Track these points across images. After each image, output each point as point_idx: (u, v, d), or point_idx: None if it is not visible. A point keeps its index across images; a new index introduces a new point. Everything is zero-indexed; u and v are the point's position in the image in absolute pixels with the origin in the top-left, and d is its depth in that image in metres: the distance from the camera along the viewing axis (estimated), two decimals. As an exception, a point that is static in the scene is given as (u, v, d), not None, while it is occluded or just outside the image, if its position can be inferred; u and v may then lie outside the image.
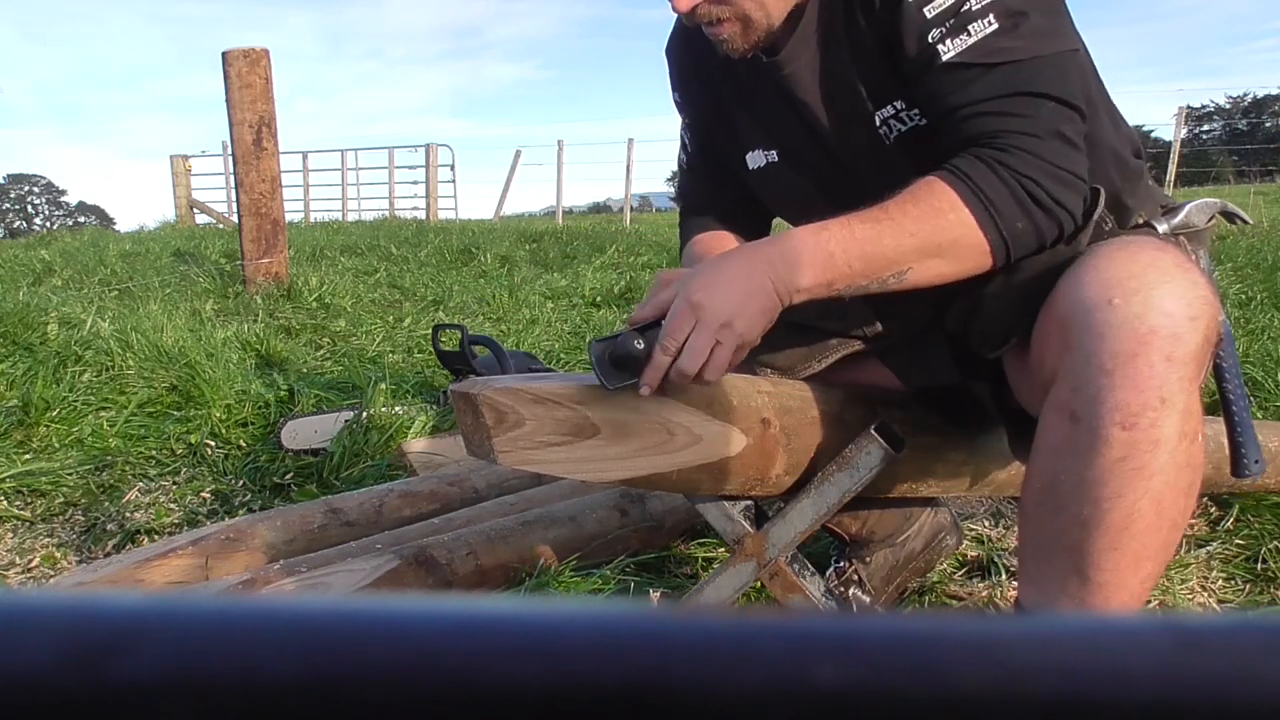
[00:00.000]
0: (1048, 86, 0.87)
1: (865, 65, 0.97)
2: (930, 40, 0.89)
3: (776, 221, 1.23)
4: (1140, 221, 0.98)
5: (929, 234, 0.87)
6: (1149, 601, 0.90)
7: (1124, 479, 0.79)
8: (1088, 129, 0.90)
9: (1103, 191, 0.94)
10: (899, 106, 0.96)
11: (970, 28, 0.87)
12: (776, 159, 1.09)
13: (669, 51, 1.17)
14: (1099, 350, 0.79)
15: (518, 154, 13.92)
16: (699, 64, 1.12)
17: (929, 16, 0.89)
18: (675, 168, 1.27)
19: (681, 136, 1.22)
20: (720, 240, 1.15)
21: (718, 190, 1.19)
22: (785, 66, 1.01)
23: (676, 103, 1.20)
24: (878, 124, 0.98)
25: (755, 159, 1.10)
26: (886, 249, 0.87)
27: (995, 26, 0.87)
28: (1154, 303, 0.77)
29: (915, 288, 0.91)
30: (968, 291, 0.97)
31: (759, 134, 1.09)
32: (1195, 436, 0.80)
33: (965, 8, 0.88)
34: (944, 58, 0.88)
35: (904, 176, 0.91)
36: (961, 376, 1.05)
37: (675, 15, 0.99)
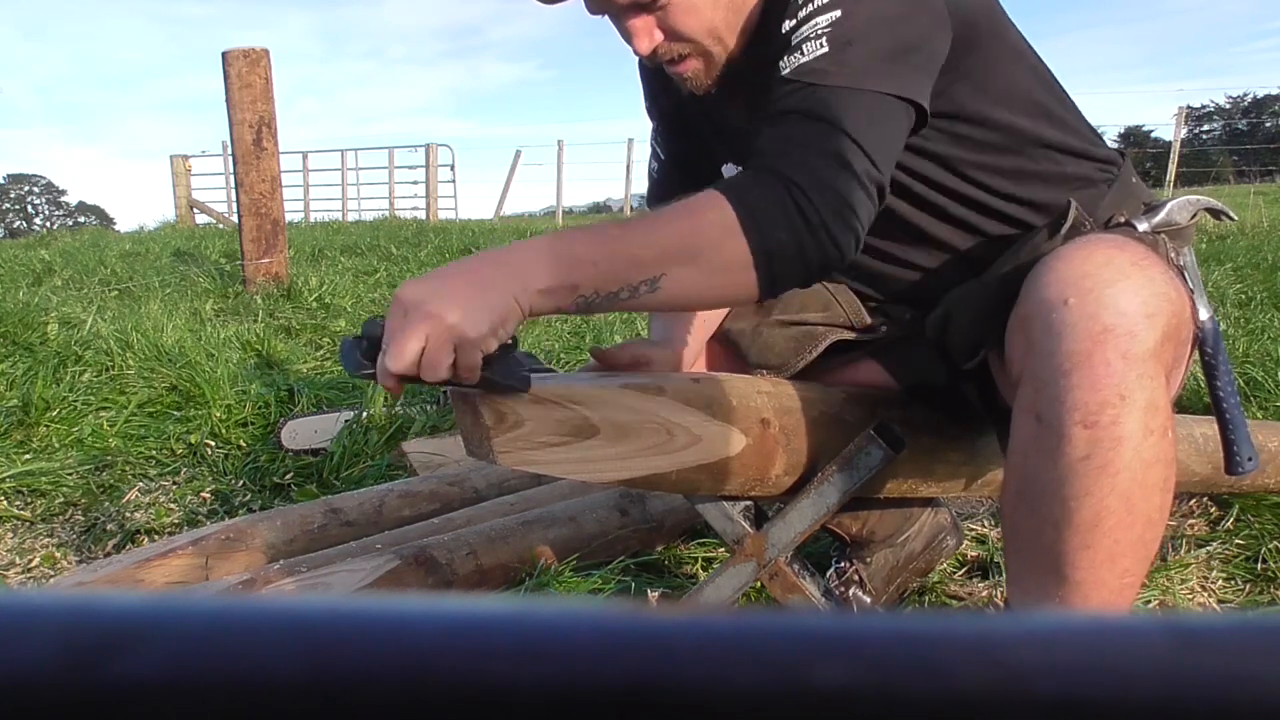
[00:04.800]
0: (847, 120, 0.82)
1: None
2: (781, 57, 0.89)
3: None
4: (1121, 220, 0.99)
5: (683, 235, 0.81)
6: (1137, 599, 0.90)
7: (1089, 477, 0.79)
8: (883, 178, 0.84)
9: (1074, 204, 0.95)
10: None
11: (805, 47, 0.86)
12: None
13: (640, 66, 1.18)
14: (1057, 350, 0.79)
15: (518, 154, 13.93)
16: (665, 81, 1.13)
17: (790, 42, 0.88)
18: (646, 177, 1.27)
19: (653, 145, 1.23)
20: None
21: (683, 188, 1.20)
22: (732, 97, 1.02)
23: (648, 110, 1.21)
24: None
25: (729, 171, 1.12)
26: (635, 248, 0.80)
27: (824, 50, 0.85)
28: (1108, 301, 0.78)
29: (678, 305, 0.85)
30: (941, 299, 0.98)
31: (729, 152, 1.10)
32: (1164, 432, 0.80)
33: (806, 32, 0.87)
34: (781, 72, 0.87)
35: None
36: (950, 377, 1.06)
37: None
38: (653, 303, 0.82)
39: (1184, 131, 12.73)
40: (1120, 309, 0.78)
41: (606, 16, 0.97)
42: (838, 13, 0.86)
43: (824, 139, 0.82)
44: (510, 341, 0.81)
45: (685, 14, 0.93)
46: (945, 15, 0.90)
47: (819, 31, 0.86)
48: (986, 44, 0.95)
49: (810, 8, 0.87)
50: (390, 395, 2.21)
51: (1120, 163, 1.06)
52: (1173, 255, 0.96)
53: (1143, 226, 0.98)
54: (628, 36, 0.96)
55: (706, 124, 1.11)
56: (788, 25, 0.89)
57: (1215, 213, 1.08)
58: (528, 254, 0.79)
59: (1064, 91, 1.05)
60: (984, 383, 1.02)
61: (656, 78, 1.15)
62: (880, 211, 0.97)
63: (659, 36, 0.94)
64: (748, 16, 0.97)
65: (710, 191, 0.83)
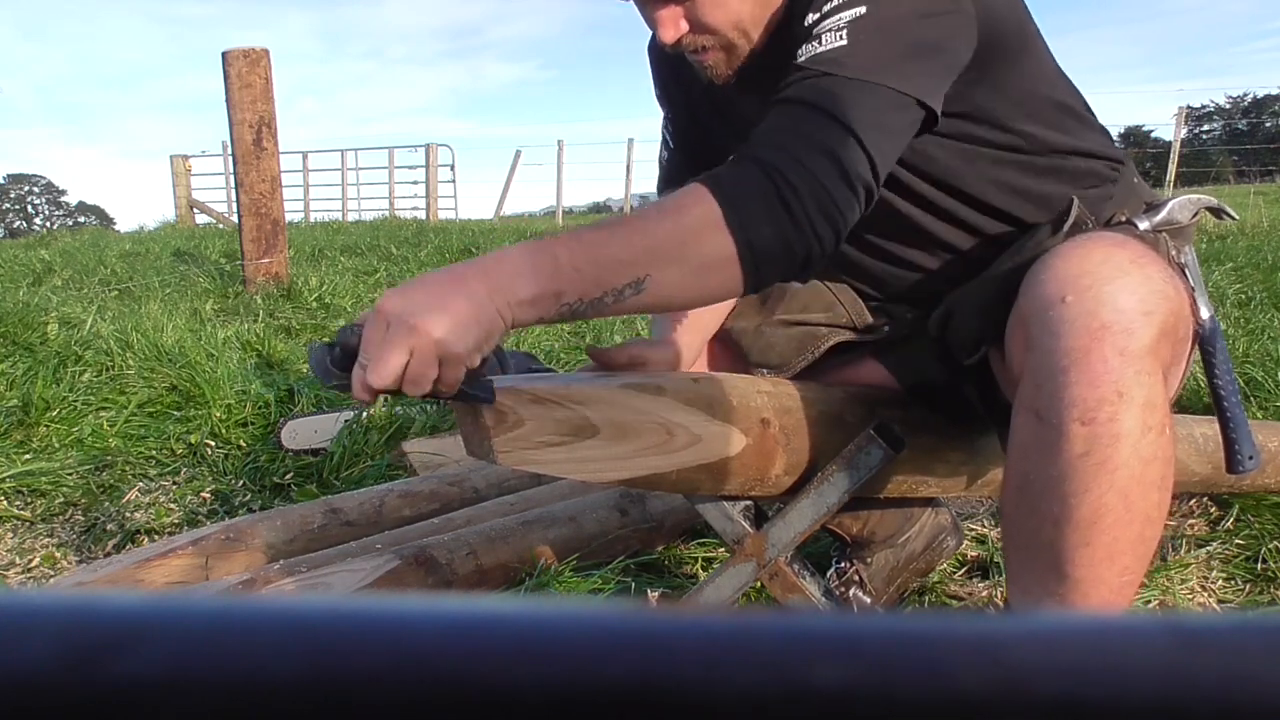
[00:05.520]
0: (851, 114, 0.81)
1: None
2: (800, 46, 0.88)
3: None
4: (1122, 219, 0.99)
5: (666, 233, 0.79)
6: (1136, 597, 0.91)
7: (1088, 474, 0.80)
8: (876, 177, 0.83)
9: (1076, 201, 0.95)
10: None
11: (824, 37, 0.86)
12: None
13: (650, 49, 1.18)
14: (1055, 348, 0.80)
15: (518, 154, 13.93)
16: (677, 71, 1.13)
17: (810, 32, 0.88)
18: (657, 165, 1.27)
19: (664, 133, 1.23)
20: None
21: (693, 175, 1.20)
22: (750, 90, 1.02)
23: (658, 97, 1.21)
24: None
25: None
26: (617, 250, 0.77)
27: (842, 42, 0.85)
28: (1105, 298, 0.78)
29: (662, 306, 0.83)
30: (943, 296, 0.99)
31: (737, 144, 1.10)
32: (1162, 429, 0.81)
33: (827, 25, 0.86)
34: (797, 60, 0.87)
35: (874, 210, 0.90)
36: (950, 377, 1.06)
37: None
38: (639, 305, 0.79)
39: (1184, 131, 12.73)
40: (1118, 306, 0.78)
41: (632, 3, 0.97)
42: (862, 9, 0.86)
43: (821, 130, 0.81)
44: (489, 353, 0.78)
45: (714, 7, 0.93)
46: (973, 18, 0.89)
47: (840, 25, 0.86)
48: (1012, 50, 0.95)
49: (835, 2, 0.87)
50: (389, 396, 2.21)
51: (1125, 161, 1.07)
52: (1173, 254, 0.97)
53: (1144, 225, 0.98)
54: (653, 25, 0.96)
55: (716, 115, 1.11)
56: (810, 18, 0.88)
57: (1216, 212, 1.08)
58: (509, 264, 0.76)
59: (1077, 91, 1.04)
60: (984, 382, 1.02)
61: (668, 65, 1.15)
62: (884, 211, 0.97)
63: (684, 27, 0.94)
64: (773, 10, 0.97)
65: (694, 185, 0.81)
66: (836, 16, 0.86)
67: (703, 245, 0.79)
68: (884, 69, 0.84)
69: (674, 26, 0.94)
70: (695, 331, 1.17)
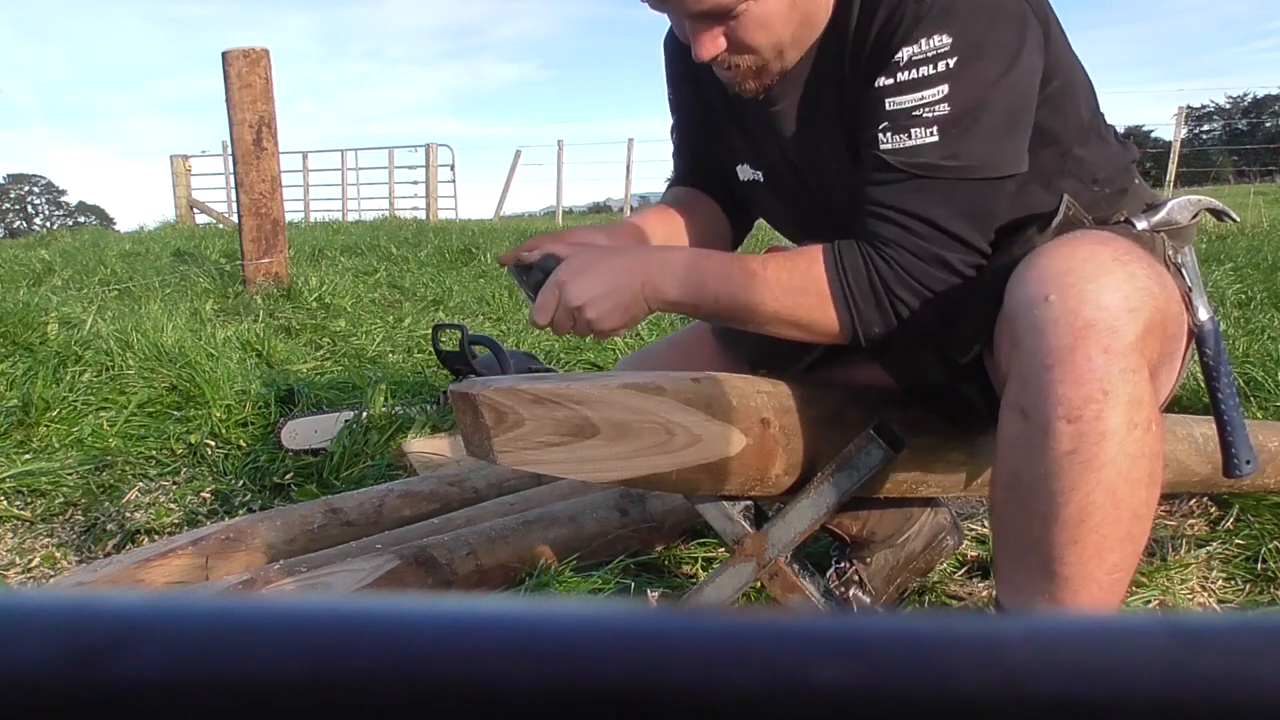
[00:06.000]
0: (952, 220, 0.89)
1: (849, 122, 0.97)
2: (879, 127, 0.90)
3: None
4: (1120, 219, 0.99)
5: (790, 308, 0.94)
6: (1126, 594, 0.91)
7: (1075, 471, 0.80)
8: (981, 255, 0.92)
9: (1065, 199, 0.95)
10: None
11: (913, 130, 0.88)
12: (762, 180, 1.10)
13: (667, 45, 1.17)
14: (1039, 346, 0.80)
15: (518, 154, 13.93)
16: (695, 72, 1.12)
17: (888, 109, 0.89)
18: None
19: (671, 136, 1.23)
20: (690, 199, 1.21)
21: (703, 166, 1.21)
22: (774, 104, 1.02)
23: (669, 99, 1.21)
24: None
25: (745, 173, 1.12)
26: (751, 301, 0.93)
27: (934, 139, 0.87)
28: (1089, 296, 0.78)
29: (749, 330, 0.98)
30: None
31: (749, 152, 1.10)
32: (1149, 426, 0.80)
33: (917, 111, 0.87)
34: (880, 147, 0.90)
35: None
36: (949, 377, 1.06)
37: None
38: (757, 332, 0.98)
39: (1184, 131, 12.73)
40: (1101, 304, 0.78)
41: (666, 11, 0.97)
42: (945, 87, 0.86)
43: (926, 242, 0.90)
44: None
45: (757, 28, 0.92)
46: (1041, 42, 0.90)
47: (928, 114, 0.87)
48: (1055, 68, 0.94)
49: (912, 75, 0.87)
50: (390, 395, 2.21)
51: (1135, 162, 1.06)
52: (1170, 254, 0.96)
53: (1142, 225, 0.98)
54: (690, 41, 0.95)
55: (732, 121, 1.10)
56: (883, 83, 0.89)
57: (1218, 213, 1.07)
58: (669, 271, 0.94)
59: (1097, 103, 1.03)
60: (985, 381, 1.02)
61: (684, 62, 1.13)
62: None
63: (722, 44, 0.94)
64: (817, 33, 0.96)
65: (821, 275, 0.93)
66: (919, 97, 0.87)
67: (818, 326, 0.95)
68: (978, 163, 0.87)
69: (712, 44, 0.94)
70: (668, 239, 1.17)
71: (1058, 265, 0.81)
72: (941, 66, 0.86)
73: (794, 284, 0.93)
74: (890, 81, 0.88)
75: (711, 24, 0.93)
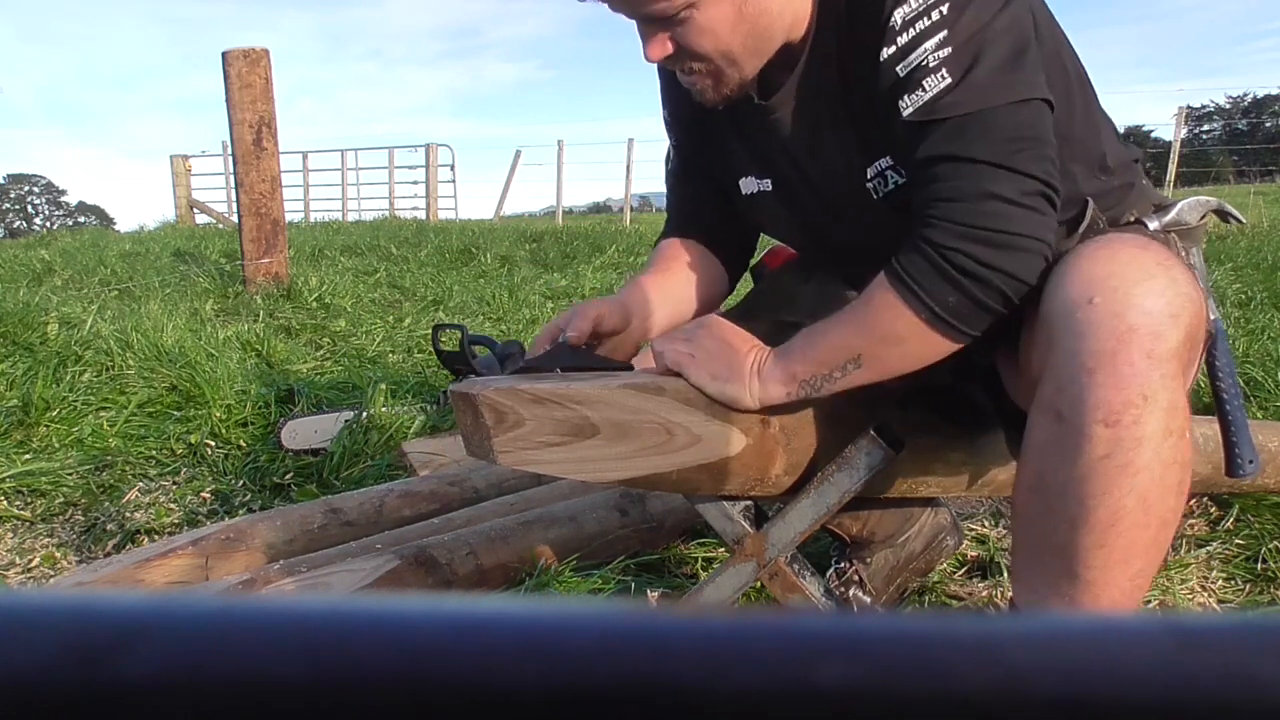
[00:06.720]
0: (987, 148, 0.85)
1: (859, 118, 0.96)
2: (899, 98, 0.89)
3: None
4: (1132, 219, 0.99)
5: (862, 320, 0.91)
6: (1144, 600, 0.90)
7: (1109, 476, 0.79)
8: (1044, 183, 0.86)
9: (1092, 203, 0.94)
10: (887, 163, 0.96)
11: (925, 83, 0.86)
12: (770, 189, 1.09)
13: (660, 71, 1.16)
14: (1080, 349, 0.79)
15: (517, 154, 13.93)
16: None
17: (900, 75, 0.88)
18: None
19: (669, 151, 1.22)
20: (684, 254, 1.21)
21: (701, 208, 1.21)
22: (775, 110, 1.02)
23: (665, 120, 1.19)
24: (868, 177, 0.98)
25: (748, 185, 1.11)
26: (832, 338, 0.93)
27: (947, 81, 0.86)
28: (1134, 300, 0.78)
29: (882, 377, 0.93)
30: None
31: (754, 163, 1.09)
32: (1182, 433, 0.80)
33: (923, 62, 0.87)
34: (904, 115, 0.88)
35: (890, 228, 0.92)
36: (955, 378, 1.05)
37: None
38: (863, 378, 0.93)
39: (1184, 131, 12.73)
40: (1146, 309, 0.78)
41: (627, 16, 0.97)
42: (944, 33, 0.85)
43: (966, 181, 0.85)
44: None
45: (700, 34, 0.93)
46: (1029, 6, 0.90)
47: (933, 61, 0.86)
48: (1054, 63, 0.93)
49: (911, 34, 0.87)
50: (390, 395, 2.21)
51: (1138, 161, 1.06)
52: (1182, 254, 0.96)
53: (1153, 225, 0.98)
54: (641, 41, 0.96)
55: (733, 130, 1.10)
56: (886, 53, 0.88)
57: (1223, 215, 1.07)
58: (774, 372, 0.96)
59: (1094, 93, 1.03)
60: (990, 383, 1.02)
61: (675, 82, 1.14)
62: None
63: (669, 48, 0.94)
64: (808, 26, 0.96)
65: (885, 289, 0.89)
66: (921, 50, 0.86)
67: (905, 335, 0.89)
68: (997, 89, 0.85)
69: (660, 48, 0.95)
70: (665, 303, 1.17)
71: (1100, 268, 0.81)
72: (935, 15, 0.86)
73: (865, 311, 0.91)
74: (893, 49, 0.88)
75: (658, 28, 0.94)
